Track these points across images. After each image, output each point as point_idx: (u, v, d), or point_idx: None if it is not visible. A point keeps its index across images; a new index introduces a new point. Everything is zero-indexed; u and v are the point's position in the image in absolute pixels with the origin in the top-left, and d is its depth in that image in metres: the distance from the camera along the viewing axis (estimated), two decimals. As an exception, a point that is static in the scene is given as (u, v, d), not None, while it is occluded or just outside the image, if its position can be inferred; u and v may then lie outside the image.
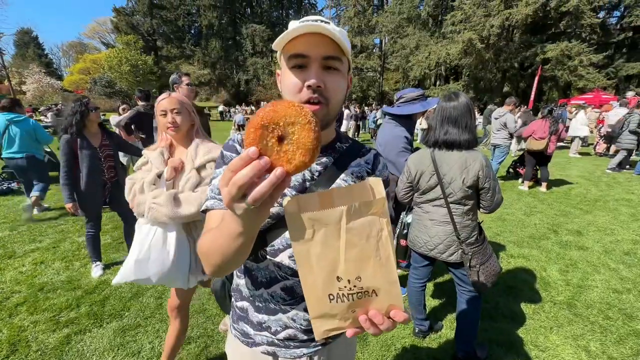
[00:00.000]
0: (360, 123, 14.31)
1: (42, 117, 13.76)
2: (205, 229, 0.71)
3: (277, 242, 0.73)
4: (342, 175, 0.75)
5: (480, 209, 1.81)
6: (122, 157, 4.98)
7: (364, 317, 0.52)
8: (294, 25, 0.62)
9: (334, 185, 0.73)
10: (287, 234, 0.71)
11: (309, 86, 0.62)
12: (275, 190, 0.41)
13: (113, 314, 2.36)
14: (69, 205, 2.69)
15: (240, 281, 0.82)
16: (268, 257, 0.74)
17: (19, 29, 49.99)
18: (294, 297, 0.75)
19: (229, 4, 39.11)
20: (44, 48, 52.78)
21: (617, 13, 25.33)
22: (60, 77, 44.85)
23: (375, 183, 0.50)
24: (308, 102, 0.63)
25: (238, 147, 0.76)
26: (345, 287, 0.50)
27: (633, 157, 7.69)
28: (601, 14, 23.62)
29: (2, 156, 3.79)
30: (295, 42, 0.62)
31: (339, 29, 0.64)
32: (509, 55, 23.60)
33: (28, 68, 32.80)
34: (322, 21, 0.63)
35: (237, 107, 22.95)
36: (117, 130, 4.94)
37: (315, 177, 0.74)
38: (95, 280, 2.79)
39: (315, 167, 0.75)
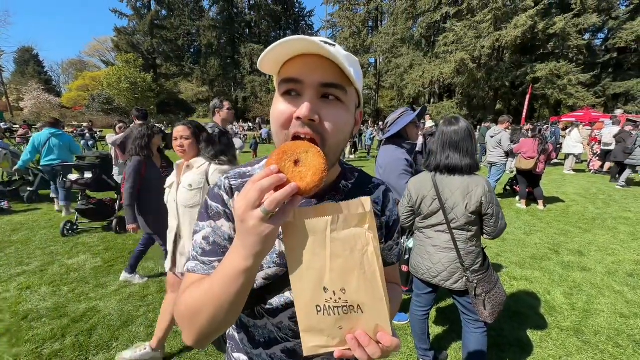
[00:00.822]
0: (357, 140, 14.42)
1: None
2: (184, 286, 0.61)
3: (276, 302, 0.65)
4: None
5: (484, 235, 1.76)
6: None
7: (351, 336, 0.50)
8: (281, 41, 0.50)
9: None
10: (287, 294, 0.65)
11: (298, 117, 0.52)
12: (288, 205, 0.46)
13: (100, 345, 2.23)
14: (132, 227, 2.67)
15: (236, 334, 0.75)
16: (266, 316, 0.67)
17: (20, 47, 50.69)
18: (296, 359, 0.69)
19: (229, 24, 40.25)
20: (43, 65, 53.33)
21: (601, 35, 26.43)
22: (59, 94, 45.11)
23: (364, 200, 0.51)
24: (296, 137, 0.53)
25: (225, 197, 0.66)
26: (331, 298, 0.50)
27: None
28: (587, 36, 24.61)
29: (40, 164, 4.39)
30: (290, 64, 0.54)
31: (345, 53, 0.55)
32: (500, 74, 24.33)
33: (27, 85, 33.02)
34: (325, 42, 0.53)
35: (234, 123, 23.10)
36: (112, 149, 4.91)
37: None
38: (82, 308, 2.66)
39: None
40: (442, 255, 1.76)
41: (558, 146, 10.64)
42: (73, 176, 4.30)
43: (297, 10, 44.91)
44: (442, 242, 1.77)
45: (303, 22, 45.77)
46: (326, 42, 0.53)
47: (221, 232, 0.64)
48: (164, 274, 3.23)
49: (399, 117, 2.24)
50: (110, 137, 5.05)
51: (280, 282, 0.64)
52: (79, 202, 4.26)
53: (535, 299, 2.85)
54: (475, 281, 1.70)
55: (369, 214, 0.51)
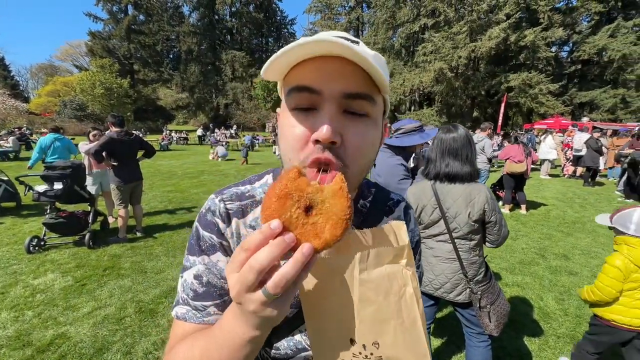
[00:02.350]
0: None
1: (1, 142, 12.71)
2: (174, 338, 0.51)
3: (284, 346, 0.55)
4: None
5: (487, 244, 1.71)
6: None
7: None
8: (300, 41, 0.39)
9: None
10: (297, 337, 0.54)
11: (317, 141, 0.40)
12: (301, 273, 0.33)
13: (70, 378, 1.99)
14: None
15: None
16: None
17: (-17, 50, 47.79)
18: None
19: (209, 31, 39.81)
20: (10, 69, 50.47)
21: (567, 48, 28.20)
22: (27, 100, 42.71)
23: (399, 226, 0.44)
24: (315, 166, 0.41)
25: (220, 224, 0.54)
26: (360, 353, 0.42)
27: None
28: (554, 49, 26.16)
29: (45, 162, 4.85)
30: (301, 68, 0.42)
31: (373, 53, 0.45)
32: (476, 83, 25.35)
33: (-10, 90, 31.04)
34: (347, 39, 0.43)
35: (215, 130, 22.61)
36: (85, 159, 4.60)
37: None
38: (50, 335, 2.39)
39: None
40: (444, 266, 1.69)
41: (534, 152, 11.15)
42: (41, 187, 3.95)
43: (279, 18, 45.15)
44: (444, 253, 1.70)
45: (285, 30, 46.04)
46: (348, 39, 0.43)
47: (217, 270, 0.53)
48: (143, 293, 2.99)
49: (414, 131, 2.21)
50: (83, 145, 4.74)
51: (289, 323, 0.53)
52: (47, 216, 3.91)
53: (528, 305, 2.84)
54: (479, 292, 1.64)
55: (407, 247, 0.41)
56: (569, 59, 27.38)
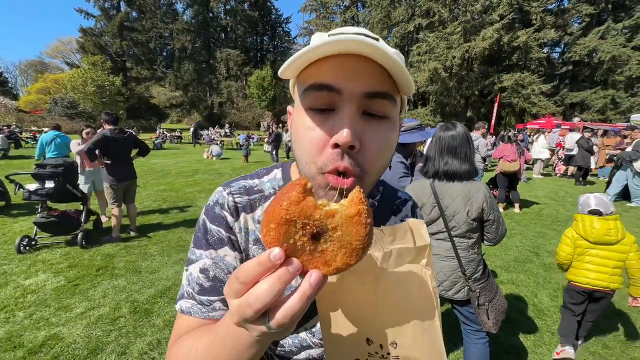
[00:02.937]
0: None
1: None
2: (178, 331, 0.50)
3: (289, 343, 0.54)
4: None
5: (484, 242, 1.72)
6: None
7: None
8: (321, 40, 0.37)
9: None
10: (302, 335, 0.54)
11: (336, 144, 0.38)
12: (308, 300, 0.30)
13: (63, 380, 1.96)
14: None
15: None
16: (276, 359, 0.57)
17: (-30, 46, 46.65)
18: None
19: (203, 28, 39.43)
20: (-2, 66, 49.46)
21: (558, 49, 28.62)
22: (15, 97, 41.85)
23: (417, 226, 0.42)
24: (334, 172, 0.39)
25: (229, 218, 0.53)
26: (376, 353, 0.41)
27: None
28: (546, 49, 26.52)
29: (45, 157, 5.06)
30: (319, 65, 0.40)
31: (395, 51, 0.43)
32: (470, 83, 25.58)
33: (-23, 87, 30.33)
34: (367, 35, 0.41)
35: (210, 129, 22.41)
36: (77, 159, 4.52)
37: None
38: (42, 336, 2.34)
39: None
40: (443, 264, 1.70)
41: (527, 151, 11.30)
42: (32, 186, 3.87)
43: (273, 16, 44.91)
44: (442, 251, 1.71)
45: (280, 29, 45.83)
46: (369, 36, 0.41)
47: (224, 264, 0.52)
48: (137, 293, 2.95)
49: (415, 129, 2.22)
50: (75, 144, 4.65)
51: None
52: (38, 215, 3.84)
53: (523, 302, 2.88)
54: (478, 290, 1.65)
55: (429, 246, 0.41)
56: (560, 60, 27.79)
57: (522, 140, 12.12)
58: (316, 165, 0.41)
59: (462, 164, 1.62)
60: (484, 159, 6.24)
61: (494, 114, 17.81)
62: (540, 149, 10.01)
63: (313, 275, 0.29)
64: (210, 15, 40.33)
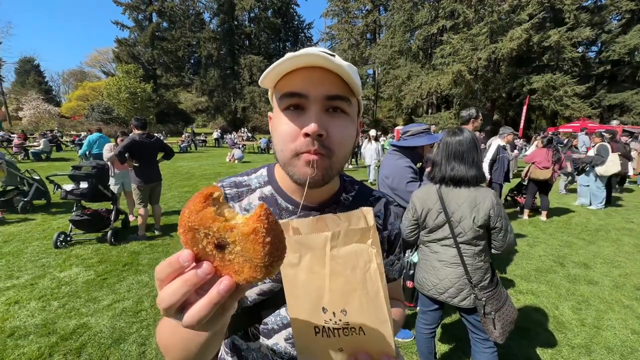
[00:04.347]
0: (357, 151, 14.39)
1: (34, 143, 13.57)
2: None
3: (272, 321, 0.61)
4: None
5: (492, 250, 1.69)
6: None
7: (353, 358, 0.47)
8: (288, 56, 0.48)
9: None
10: (282, 312, 0.60)
11: (306, 134, 0.49)
12: (227, 301, 0.31)
13: (89, 366, 2.12)
14: None
15: (229, 359, 0.69)
16: (261, 337, 0.62)
17: (21, 57, 51.15)
18: None
19: (228, 36, 40.83)
20: (44, 75, 53.72)
21: (595, 48, 26.96)
22: (58, 104, 45.29)
23: (367, 212, 0.49)
24: (307, 153, 0.50)
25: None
26: (330, 319, 0.47)
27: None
28: (580, 49, 25.06)
29: (91, 152, 5.99)
30: (290, 77, 0.51)
31: (347, 64, 0.52)
32: (497, 85, 24.63)
33: (26, 95, 33.14)
34: (324, 52, 0.51)
35: (232, 133, 23.14)
36: (109, 164, 4.83)
37: None
38: (72, 325, 2.54)
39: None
40: (448, 271, 1.69)
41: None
42: (68, 186, 4.21)
43: (296, 22, 45.71)
44: (448, 257, 1.70)
45: (302, 34, 46.51)
46: (326, 52, 0.51)
47: None
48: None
49: (421, 133, 2.22)
50: (107, 150, 5.01)
51: (276, 298, 0.60)
52: (73, 213, 4.16)
53: (542, 314, 2.76)
54: (484, 298, 1.62)
55: (372, 228, 0.47)
56: (597, 60, 26.16)
57: (563, 144, 11.35)
58: (291, 150, 0.51)
59: (469, 170, 1.61)
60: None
61: (523, 117, 17.06)
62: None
63: (223, 283, 0.29)
64: (235, 23, 41.69)
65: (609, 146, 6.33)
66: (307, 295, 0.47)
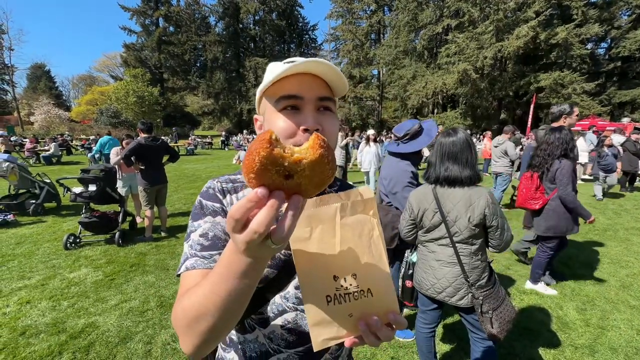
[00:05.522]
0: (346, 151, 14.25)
1: (45, 147, 13.90)
2: (183, 288, 0.57)
3: (267, 310, 0.65)
4: None
5: (490, 248, 1.70)
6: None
7: (363, 322, 0.49)
8: (278, 66, 0.58)
9: None
10: (277, 299, 0.64)
11: (305, 129, 0.57)
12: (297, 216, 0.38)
13: (97, 363, 2.18)
14: None
15: (226, 355, 0.71)
16: (257, 327, 0.66)
17: (32, 63, 52.41)
18: None
19: (234, 39, 41.21)
20: (55, 81, 54.94)
21: (604, 44, 26.49)
22: (68, 108, 46.23)
23: (364, 190, 0.52)
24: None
25: (219, 196, 0.68)
26: (342, 286, 0.50)
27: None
28: (589, 45, 24.67)
29: (102, 153, 7.17)
30: (285, 83, 0.58)
31: (334, 69, 0.59)
32: (503, 84, 24.38)
33: (38, 100, 33.91)
34: (314, 60, 0.57)
35: (238, 135, 23.38)
36: (117, 167, 4.93)
37: None
38: (81, 324, 2.62)
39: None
40: (446, 270, 1.70)
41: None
42: (77, 189, 4.32)
43: (300, 24, 45.85)
44: (445, 257, 1.71)
45: (306, 36, 46.65)
46: (314, 60, 0.58)
47: (221, 227, 0.64)
48: (165, 288, 3.19)
49: (416, 133, 2.19)
50: (114, 154, 5.12)
51: (272, 283, 0.64)
52: (82, 215, 4.27)
53: (546, 314, 2.74)
54: (481, 298, 1.63)
55: (373, 200, 0.52)
56: (606, 56, 25.71)
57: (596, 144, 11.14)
58: (290, 144, 0.56)
59: (463, 170, 1.63)
60: (513, 162, 5.97)
61: (530, 116, 16.84)
62: (580, 152, 9.32)
63: (295, 199, 0.36)
64: (240, 26, 42.05)
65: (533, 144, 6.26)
66: (318, 267, 0.49)
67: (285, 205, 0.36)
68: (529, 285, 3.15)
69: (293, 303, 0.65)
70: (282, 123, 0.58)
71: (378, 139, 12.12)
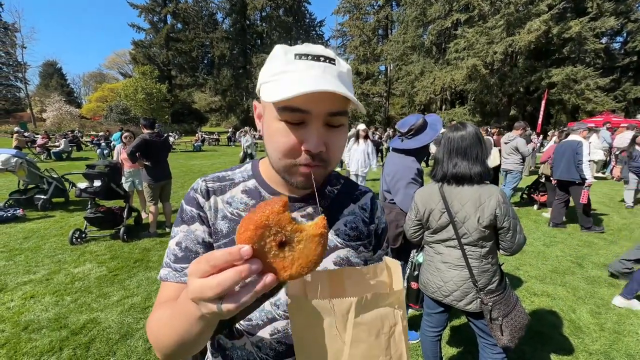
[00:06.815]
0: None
1: (55, 144, 14.14)
2: (158, 302, 0.59)
3: (256, 317, 0.59)
4: (334, 227, 0.65)
5: (500, 251, 1.61)
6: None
7: None
8: (287, 64, 0.51)
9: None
10: (267, 306, 0.59)
11: (307, 151, 0.51)
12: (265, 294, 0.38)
13: (97, 360, 2.16)
14: None
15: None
16: (245, 334, 0.60)
17: (44, 61, 53.33)
18: None
19: (241, 36, 41.18)
20: (66, 78, 55.89)
21: (620, 38, 25.66)
22: (79, 105, 47.01)
23: (394, 265, 0.46)
24: (306, 166, 0.53)
25: (200, 199, 0.64)
26: None
27: None
28: (604, 40, 23.89)
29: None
30: None
31: (347, 69, 0.55)
32: (514, 79, 23.79)
33: (50, 97, 34.52)
34: (326, 59, 0.52)
35: (245, 128, 23.39)
36: (119, 159, 4.95)
37: None
38: (83, 319, 2.61)
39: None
40: (453, 273, 1.62)
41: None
42: (82, 184, 4.34)
43: (307, 20, 45.54)
44: (453, 259, 1.62)
45: (313, 32, 46.33)
46: (327, 58, 0.52)
47: (194, 236, 0.61)
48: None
49: (423, 126, 2.11)
50: (117, 152, 5.17)
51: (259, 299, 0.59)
52: (87, 210, 4.29)
53: (558, 317, 2.63)
54: (490, 303, 1.54)
55: (401, 292, 0.45)
56: (622, 51, 24.89)
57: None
58: (289, 162, 0.53)
59: (473, 166, 1.53)
60: (523, 159, 5.80)
61: (542, 112, 16.44)
62: (593, 149, 9.04)
63: (268, 278, 0.35)
64: (247, 22, 41.98)
65: (492, 140, 6.07)
66: (321, 356, 0.44)
67: (251, 278, 0.35)
68: (618, 301, 2.78)
69: (284, 311, 0.59)
70: (282, 137, 0.52)
71: (373, 135, 11.41)
